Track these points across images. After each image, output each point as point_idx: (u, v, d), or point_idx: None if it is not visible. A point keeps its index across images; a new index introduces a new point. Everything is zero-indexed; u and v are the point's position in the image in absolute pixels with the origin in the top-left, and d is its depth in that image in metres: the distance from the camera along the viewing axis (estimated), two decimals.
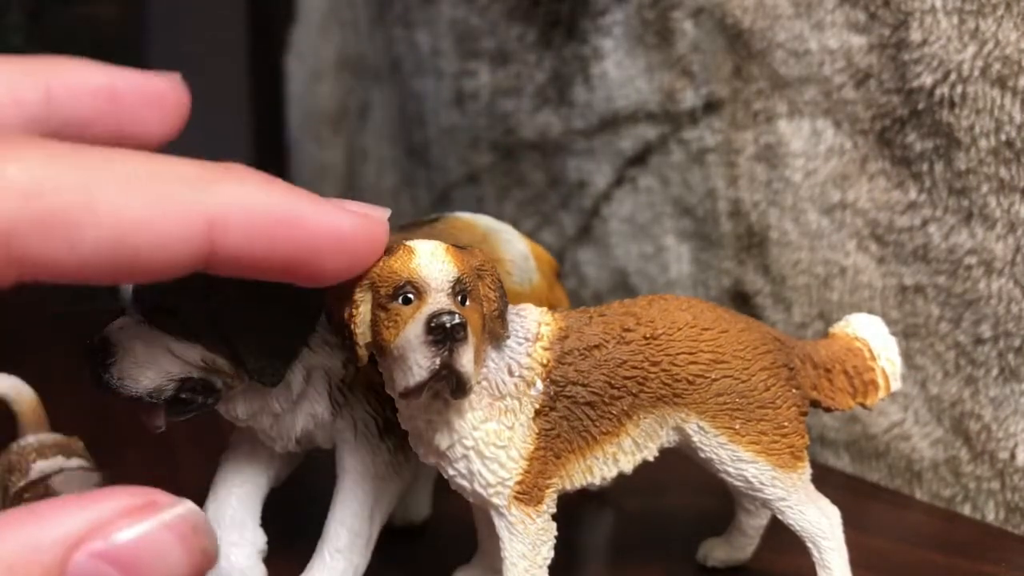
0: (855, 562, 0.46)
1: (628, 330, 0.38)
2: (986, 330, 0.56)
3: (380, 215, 0.32)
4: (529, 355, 0.37)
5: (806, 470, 0.40)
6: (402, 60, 1.12)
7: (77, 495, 0.20)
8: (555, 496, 0.39)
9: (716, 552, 0.47)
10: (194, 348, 0.39)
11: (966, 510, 0.57)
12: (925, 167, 0.58)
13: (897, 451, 0.61)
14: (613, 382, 0.38)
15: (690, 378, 0.38)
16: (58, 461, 0.45)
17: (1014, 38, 0.52)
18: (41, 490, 0.43)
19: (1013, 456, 0.55)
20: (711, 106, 0.72)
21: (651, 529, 0.53)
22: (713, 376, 0.38)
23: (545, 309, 0.39)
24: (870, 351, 0.42)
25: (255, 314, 0.38)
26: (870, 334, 0.42)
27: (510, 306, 0.38)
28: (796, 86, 0.65)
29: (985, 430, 0.56)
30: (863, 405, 0.42)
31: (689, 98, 0.74)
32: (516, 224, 0.50)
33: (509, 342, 0.37)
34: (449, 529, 0.51)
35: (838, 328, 0.43)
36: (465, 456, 0.37)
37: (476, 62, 0.98)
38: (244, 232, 0.26)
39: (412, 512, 0.52)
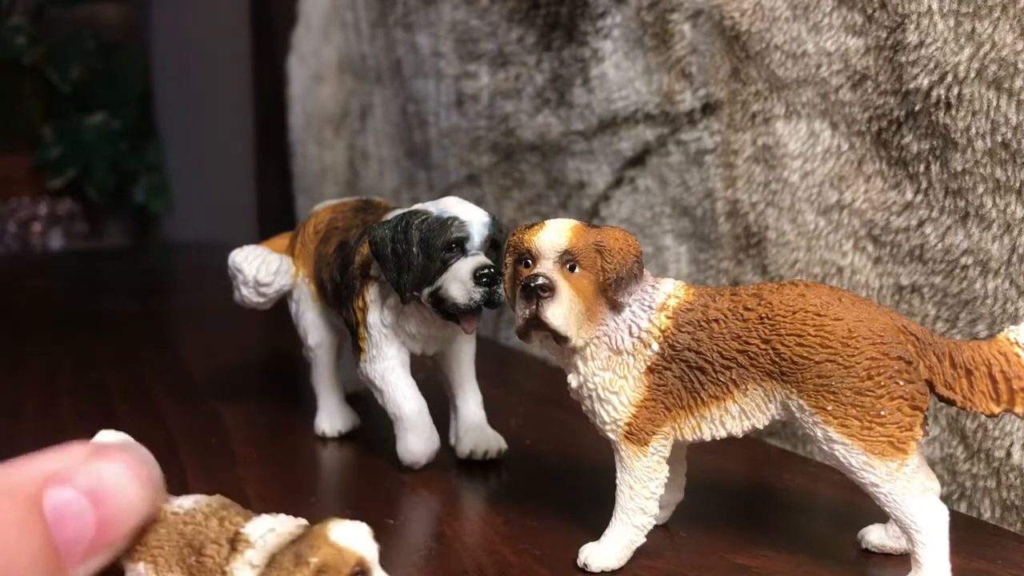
0: (849, 559, 0.46)
1: (748, 309, 0.42)
2: (982, 330, 0.56)
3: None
4: (651, 321, 0.43)
5: (908, 463, 0.40)
6: (403, 62, 1.13)
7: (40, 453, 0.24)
8: (665, 443, 0.44)
9: (870, 536, 0.47)
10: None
11: (962, 508, 0.58)
12: (921, 168, 0.59)
13: None
14: (724, 353, 0.42)
15: (795, 359, 0.41)
16: (265, 521, 0.36)
17: (1010, 40, 0.53)
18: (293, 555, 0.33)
19: (1009, 454, 0.55)
20: (709, 108, 0.72)
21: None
22: (816, 359, 0.41)
23: (682, 283, 0.45)
24: None
25: None
26: None
27: (649, 277, 0.44)
28: (793, 88, 0.66)
29: (981, 428, 0.57)
30: (1011, 411, 0.41)
31: (687, 100, 0.74)
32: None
33: (634, 308, 0.44)
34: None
35: (1002, 334, 0.41)
36: (589, 396, 0.44)
37: (476, 64, 0.98)
38: None
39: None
